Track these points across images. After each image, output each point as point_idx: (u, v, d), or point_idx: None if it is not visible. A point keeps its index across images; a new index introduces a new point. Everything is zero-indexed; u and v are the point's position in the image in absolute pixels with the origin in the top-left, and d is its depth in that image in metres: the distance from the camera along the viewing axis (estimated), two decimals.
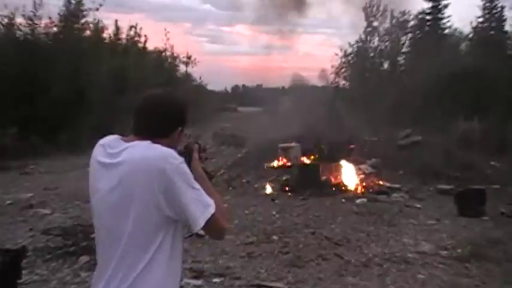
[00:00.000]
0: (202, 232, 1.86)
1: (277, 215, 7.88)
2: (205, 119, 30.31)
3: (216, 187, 7.33)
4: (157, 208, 1.68)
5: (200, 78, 34.87)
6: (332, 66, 30.43)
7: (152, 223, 1.69)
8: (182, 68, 31.42)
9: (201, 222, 1.70)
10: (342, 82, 31.37)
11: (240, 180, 10.46)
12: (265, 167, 10.72)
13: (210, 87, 42.01)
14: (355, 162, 10.54)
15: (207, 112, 32.90)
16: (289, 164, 10.45)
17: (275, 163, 10.79)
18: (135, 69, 17.27)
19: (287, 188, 9.57)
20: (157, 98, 1.85)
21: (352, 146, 11.29)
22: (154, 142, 1.74)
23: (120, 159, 1.71)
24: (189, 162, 1.87)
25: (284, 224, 7.34)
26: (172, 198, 1.68)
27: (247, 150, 14.51)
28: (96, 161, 1.78)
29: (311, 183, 9.51)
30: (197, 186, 1.74)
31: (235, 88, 78.77)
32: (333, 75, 30.83)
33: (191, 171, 1.79)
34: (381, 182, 10.01)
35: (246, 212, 8.10)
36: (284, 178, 10.06)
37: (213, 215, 1.73)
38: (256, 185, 10.03)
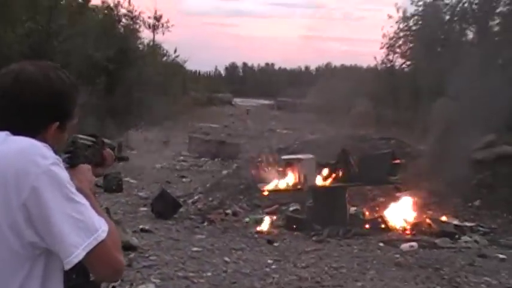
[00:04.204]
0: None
1: (273, 266, 7.92)
2: (179, 116, 30.55)
3: (183, 221, 7.46)
4: (14, 230, 1.72)
5: (175, 51, 35.11)
6: (384, 36, 30.59)
7: (8, 253, 1.74)
8: (147, 34, 31.61)
9: (80, 253, 1.71)
10: (399, 61, 31.51)
11: (222, 211, 10.56)
12: (262, 191, 10.79)
13: (191, 66, 42.50)
14: (404, 185, 10.60)
15: (184, 105, 33.17)
16: (298, 184, 10.48)
17: (278, 184, 10.84)
18: (67, 36, 17.50)
19: (294, 225, 9.64)
20: (24, 74, 1.88)
21: (398, 161, 11.32)
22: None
23: None
24: (75, 164, 1.98)
25: (283, 279, 7.38)
26: (35, 214, 1.71)
27: (239, 165, 14.63)
28: None
29: (332, 216, 9.57)
30: (80, 198, 1.78)
31: (232, 68, 79.17)
32: (384, 51, 30.95)
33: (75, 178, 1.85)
34: (443, 219, 10.04)
35: (226, 259, 8.15)
36: (291, 208, 10.12)
37: (102, 243, 1.76)
38: (246, 219, 10.13)
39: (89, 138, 2.13)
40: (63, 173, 1.76)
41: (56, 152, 1.82)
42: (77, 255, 1.71)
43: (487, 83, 15.32)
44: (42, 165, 1.72)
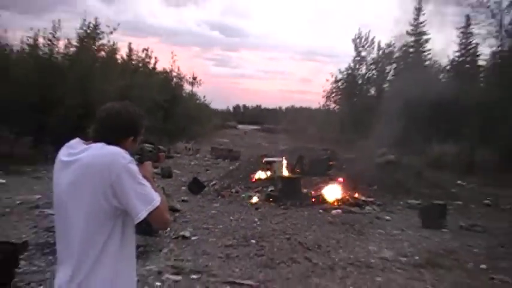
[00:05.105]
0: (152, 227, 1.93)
1: (258, 222, 7.94)
2: (206, 134, 30.46)
3: (206, 196, 7.37)
4: (106, 199, 1.75)
5: (204, 97, 35.05)
6: (324, 91, 30.84)
7: (102, 212, 1.76)
8: (188, 87, 31.60)
9: (143, 214, 1.76)
10: (332, 105, 31.69)
11: (229, 190, 10.51)
12: (253, 179, 10.80)
13: (213, 105, 42.24)
14: (335, 177, 10.60)
15: (209, 128, 33.03)
16: (273, 176, 10.53)
17: (261, 175, 10.89)
18: (142, 88, 17.47)
19: (270, 198, 9.64)
20: (113, 110, 1.92)
21: (332, 163, 11.39)
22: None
23: (77, 157, 1.80)
24: (142, 161, 2.01)
25: (263, 230, 7.39)
26: (118, 191, 1.75)
27: (240, 164, 14.65)
28: (59, 160, 1.86)
29: (292, 194, 9.55)
30: (144, 182, 1.80)
31: (236, 107, 79.67)
32: (324, 99, 31.19)
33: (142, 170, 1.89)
34: (356, 196, 10.09)
35: (231, 218, 8.17)
36: (269, 189, 10.13)
37: (157, 208, 1.79)
38: (243, 195, 10.08)
39: (150, 146, 2.17)
40: (134, 167, 1.80)
41: (131, 155, 1.85)
42: (142, 215, 1.77)
43: (383, 120, 15.44)
44: (123, 163, 1.77)
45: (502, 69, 18.13)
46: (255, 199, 9.74)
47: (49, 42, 16.66)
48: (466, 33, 23.90)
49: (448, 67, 25.46)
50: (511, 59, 17.41)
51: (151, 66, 23.62)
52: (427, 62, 26.81)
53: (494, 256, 6.56)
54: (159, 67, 24.97)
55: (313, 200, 9.72)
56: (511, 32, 17.89)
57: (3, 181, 10.99)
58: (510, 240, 7.61)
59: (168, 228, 6.61)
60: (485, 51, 22.66)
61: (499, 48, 18.75)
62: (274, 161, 11.02)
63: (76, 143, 1.89)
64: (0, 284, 4.26)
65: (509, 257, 6.57)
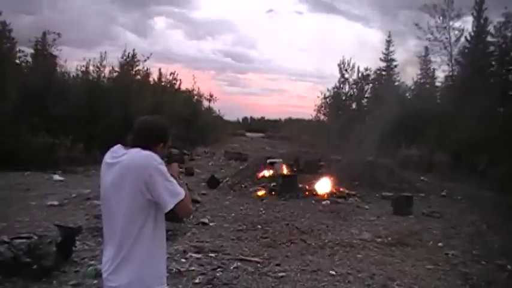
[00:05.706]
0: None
1: (263, 211, 7.88)
2: (220, 140, 30.42)
3: (221, 190, 7.38)
4: (141, 193, 1.74)
5: (219, 111, 35.23)
6: (315, 105, 30.83)
7: (138, 203, 1.76)
8: (206, 103, 31.75)
9: (171, 205, 1.76)
10: (322, 117, 31.57)
11: (240, 185, 10.43)
12: (258, 176, 10.73)
13: (226, 118, 42.25)
14: (324, 174, 10.50)
15: (223, 136, 33.06)
16: (275, 174, 10.45)
17: (266, 173, 10.83)
18: (169, 104, 17.57)
19: (273, 192, 9.53)
20: (146, 121, 1.92)
21: (321, 163, 11.30)
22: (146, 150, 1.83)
23: (119, 159, 1.80)
24: (170, 162, 2.00)
25: (267, 217, 7.34)
26: (151, 186, 1.74)
27: (248, 164, 14.61)
28: (104, 162, 1.87)
29: (290, 189, 9.44)
30: (172, 179, 1.79)
31: (245, 119, 79.25)
32: (316, 112, 31.13)
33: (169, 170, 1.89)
34: (341, 189, 9.97)
35: (241, 208, 8.09)
36: (272, 184, 10.04)
37: (182, 200, 1.79)
38: (251, 189, 10.01)
39: (176, 150, 2.16)
40: (164, 168, 1.80)
41: (161, 158, 1.85)
42: (170, 206, 1.77)
43: (362, 128, 15.42)
44: (154, 164, 1.76)
45: (453, 89, 18.47)
46: (260, 192, 9.63)
47: (97, 69, 17.07)
48: (425, 60, 24.15)
49: (412, 87, 25.56)
50: (460, 81, 17.68)
51: (176, 86, 23.81)
52: (396, 83, 26.88)
53: (448, 236, 6.55)
54: (183, 87, 25.16)
55: (307, 193, 9.61)
56: (458, 61, 18.45)
57: (62, 178, 11.09)
58: (460, 223, 7.59)
59: (191, 216, 6.61)
60: (440, 75, 22.74)
61: (450, 73, 19.20)
62: (275, 162, 10.95)
63: (118, 148, 1.89)
64: (62, 258, 4.32)
65: (459, 236, 6.59)
